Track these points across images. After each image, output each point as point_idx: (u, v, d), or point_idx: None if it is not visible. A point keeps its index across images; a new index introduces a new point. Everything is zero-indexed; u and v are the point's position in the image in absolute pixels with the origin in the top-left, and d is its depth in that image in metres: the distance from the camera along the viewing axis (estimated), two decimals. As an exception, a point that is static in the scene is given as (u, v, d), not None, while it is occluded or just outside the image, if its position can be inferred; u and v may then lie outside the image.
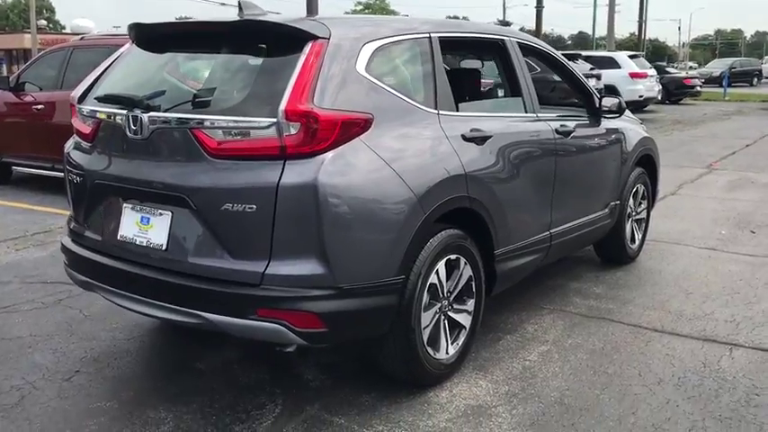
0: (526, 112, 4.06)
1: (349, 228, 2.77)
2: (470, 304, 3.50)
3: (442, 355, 3.33)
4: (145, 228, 3.03)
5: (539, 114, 4.12)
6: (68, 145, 3.49)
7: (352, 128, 2.84)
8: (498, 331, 4.05)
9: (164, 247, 2.94)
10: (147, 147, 3.00)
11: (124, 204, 3.13)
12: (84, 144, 3.34)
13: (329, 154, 2.75)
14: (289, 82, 2.74)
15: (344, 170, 2.78)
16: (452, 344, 3.42)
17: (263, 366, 3.55)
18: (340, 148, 2.79)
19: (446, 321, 3.37)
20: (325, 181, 2.70)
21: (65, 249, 3.45)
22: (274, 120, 2.70)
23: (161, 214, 2.98)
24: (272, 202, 2.69)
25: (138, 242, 3.03)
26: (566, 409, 3.13)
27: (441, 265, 3.24)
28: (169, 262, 2.94)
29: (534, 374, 3.48)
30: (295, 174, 2.70)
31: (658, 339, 3.94)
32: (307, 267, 2.73)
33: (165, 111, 2.94)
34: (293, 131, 2.71)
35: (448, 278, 3.35)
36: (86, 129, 3.30)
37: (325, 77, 2.81)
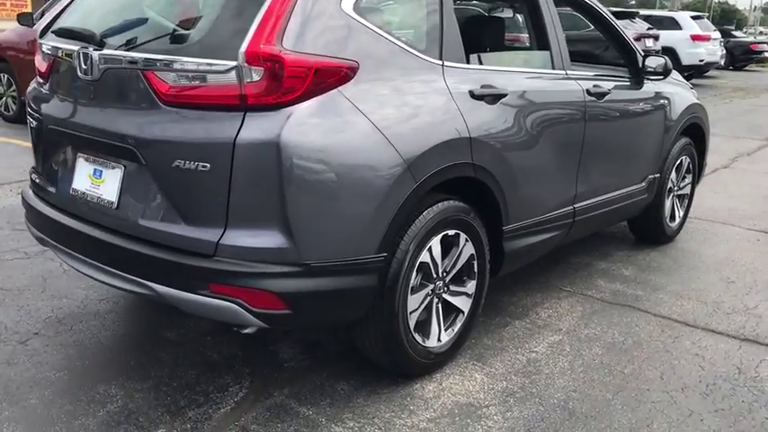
0: (554, 68, 3.54)
1: (318, 196, 2.36)
2: (471, 286, 3.08)
3: (432, 343, 2.92)
4: (97, 182, 2.67)
5: (568, 72, 3.60)
6: (30, 86, 3.13)
7: (329, 76, 2.40)
8: (506, 315, 3.62)
9: (114, 205, 2.58)
10: (99, 90, 2.62)
11: (78, 154, 2.77)
12: (42, 85, 2.97)
13: (298, 107, 2.33)
14: (254, 19, 2.31)
15: (316, 127, 2.36)
16: (446, 330, 3.01)
17: (239, 340, 3.20)
18: (313, 100, 2.36)
19: (440, 305, 2.95)
20: (290, 139, 2.28)
21: (23, 201, 3.12)
22: (234, 63, 2.27)
23: (113, 168, 2.61)
24: (227, 161, 2.29)
25: (89, 197, 2.68)
26: (568, 416, 2.70)
27: (435, 242, 2.81)
28: (119, 222, 2.58)
29: (539, 369, 3.06)
30: (255, 129, 2.28)
31: (688, 335, 3.46)
32: (267, 240, 2.33)
33: (118, 48, 2.54)
34: (255, 78, 2.28)
35: (444, 256, 2.93)
36: (43, 67, 2.93)
37: (300, 14, 2.37)
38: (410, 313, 2.77)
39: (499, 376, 2.99)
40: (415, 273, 2.75)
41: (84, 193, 2.71)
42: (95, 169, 2.68)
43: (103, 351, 3.10)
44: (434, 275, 2.87)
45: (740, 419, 2.72)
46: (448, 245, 2.94)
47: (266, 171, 2.28)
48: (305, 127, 2.32)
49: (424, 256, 2.78)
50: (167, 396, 2.74)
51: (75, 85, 2.73)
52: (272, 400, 2.75)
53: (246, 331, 2.48)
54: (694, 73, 18.03)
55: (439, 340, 2.96)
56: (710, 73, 20.38)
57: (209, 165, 2.31)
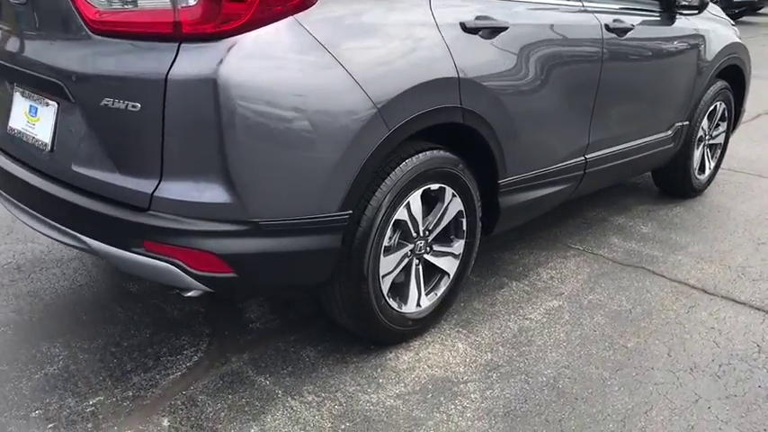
0: (568, -1, 3.10)
1: (266, 145, 2.02)
2: (458, 246, 2.75)
3: (409, 309, 2.62)
4: (32, 120, 2.37)
5: (585, 4, 3.15)
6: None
7: (282, 1, 2.03)
8: (504, 275, 3.29)
9: (48, 147, 2.29)
10: (29, 15, 2.29)
11: (15, 88, 2.47)
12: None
13: (243, 38, 1.97)
14: (191, -71, 1.94)
15: (264, 62, 2.01)
16: (428, 294, 2.70)
17: (205, 296, 2.92)
18: (261, 30, 2.00)
19: (420, 267, 2.64)
20: (230, 75, 1.94)
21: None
22: (166, -16, 1.92)
23: (47, 105, 2.30)
24: (159, 101, 1.96)
25: (25, 137, 2.39)
26: (556, 396, 2.40)
27: (415, 197, 2.48)
28: (53, 167, 2.29)
29: (531, 340, 2.74)
30: (190, 63, 1.94)
31: (706, 305, 3.10)
32: (208, 193, 2.02)
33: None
34: (191, 2, 1.93)
35: (428, 213, 2.59)
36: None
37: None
38: (383, 277, 2.46)
39: (485, 347, 2.68)
40: (389, 232, 2.43)
41: (20, 132, 2.42)
42: (31, 106, 2.38)
43: (57, 303, 2.86)
44: (414, 234, 2.55)
45: (753, 409, 2.39)
46: (431, 200, 2.60)
47: (203, 113, 1.95)
48: (250, 62, 1.97)
49: (401, 214, 2.45)
50: (114, 358, 2.50)
51: (6, 10, 2.40)
52: (228, 367, 2.49)
53: (190, 294, 2.20)
54: (747, 9, 16.91)
55: (418, 305, 2.66)
56: (764, 10, 19.16)
57: (139, 104, 1.99)
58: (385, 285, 2.49)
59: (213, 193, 2.01)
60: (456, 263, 2.77)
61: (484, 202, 2.80)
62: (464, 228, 2.74)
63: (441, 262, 2.71)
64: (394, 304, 2.55)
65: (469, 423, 2.24)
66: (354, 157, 2.17)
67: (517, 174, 2.86)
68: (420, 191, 2.49)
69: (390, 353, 2.61)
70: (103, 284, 3.04)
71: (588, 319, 2.93)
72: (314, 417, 2.24)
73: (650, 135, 3.76)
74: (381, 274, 2.46)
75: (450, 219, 2.68)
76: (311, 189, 2.13)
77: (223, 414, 2.24)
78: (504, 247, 3.59)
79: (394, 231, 2.49)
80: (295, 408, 2.28)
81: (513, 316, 2.92)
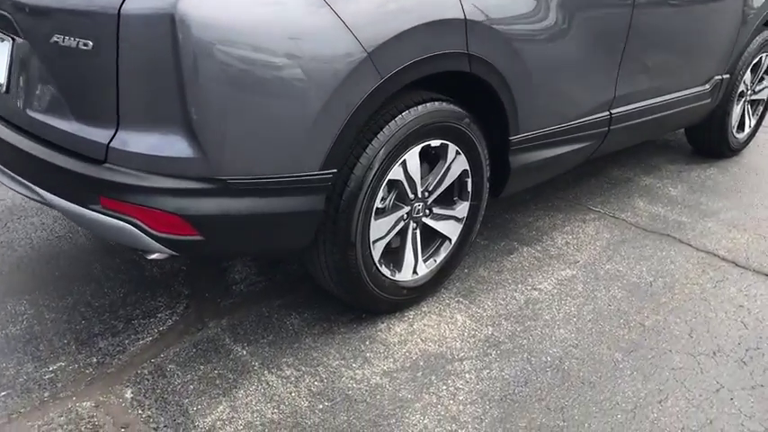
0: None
1: (233, 91, 1.77)
2: (461, 209, 2.49)
3: (404, 277, 2.39)
4: (-12, 57, 2.14)
5: (618, -63, 2.80)
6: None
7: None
8: (515, 239, 3.03)
9: (3, 88, 2.06)
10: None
11: (-28, 21, 2.23)
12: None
13: (206, -34, 1.70)
14: None
15: (231, -4, 1.74)
16: (426, 261, 2.47)
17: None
18: (228, -43, 1.73)
19: (418, 231, 2.39)
20: (190, 10, 1.68)
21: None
22: None
23: (2, 40, 2.06)
24: (112, 38, 1.71)
25: (-19, 77, 2.16)
26: (560, 380, 2.17)
27: (412, 155, 2.22)
28: (8, 111, 2.07)
29: (537, 314, 2.50)
30: (145, -5, 1.68)
31: (735, 279, 2.82)
32: (167, 146, 1.78)
33: None
34: (146, -77, 1.66)
35: (428, 172, 2.34)
36: None
37: None
38: (374, 242, 2.23)
39: (486, 320, 2.45)
40: (382, 193, 2.18)
41: (-23, 71, 2.18)
42: (-14, 41, 2.14)
43: (30, 256, 2.68)
44: (411, 196, 2.29)
45: (782, 402, 2.14)
46: (432, 158, 2.34)
47: (160, 54, 1.70)
48: (215, -5, 1.71)
49: (396, 173, 2.19)
50: (83, 319, 2.32)
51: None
52: (203, 333, 2.30)
53: (153, 257, 1.98)
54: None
55: (415, 273, 2.42)
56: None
57: (90, 43, 1.74)
58: (376, 252, 2.25)
59: (174, 147, 1.78)
60: (459, 227, 2.52)
61: (492, 161, 2.53)
62: (469, 189, 2.48)
63: (441, 226, 2.46)
64: (386, 272, 2.32)
65: (461, 407, 2.03)
66: (339, 108, 1.91)
67: (531, 130, 2.57)
68: (418, 147, 2.22)
69: (382, 323, 2.39)
70: (83, 237, 2.85)
71: (603, 291, 2.67)
72: (290, 393, 2.04)
73: (685, 89, 3.42)
74: (372, 240, 2.22)
75: (453, 179, 2.42)
76: (287, 144, 1.88)
77: (192, 387, 2.06)
78: (518, 207, 3.32)
79: (388, 192, 2.25)
80: (271, 382, 2.08)
81: (520, 285, 2.67)
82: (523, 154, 2.60)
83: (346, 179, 2.08)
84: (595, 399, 2.10)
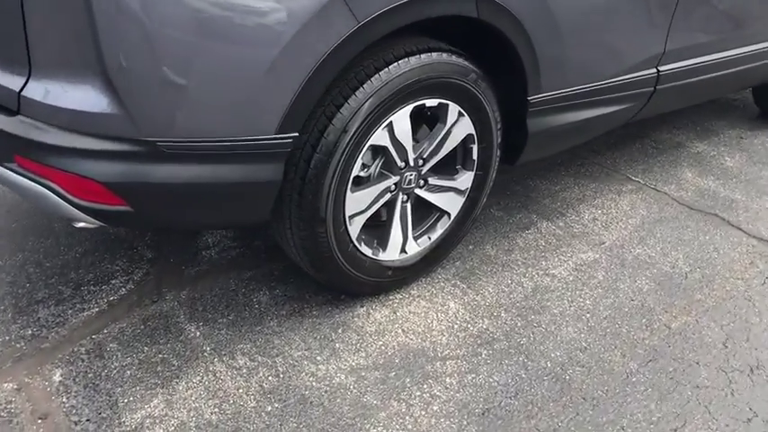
0: None
1: (159, 30, 1.43)
2: (464, 180, 2.14)
3: (389, 256, 2.07)
4: None
5: None
6: None
7: None
8: (534, 210, 2.66)
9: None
10: None
11: None
12: None
13: None
14: None
15: None
16: (418, 238, 2.13)
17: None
18: None
19: (409, 205, 2.05)
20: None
21: None
22: None
23: None
24: (11, -34, 1.39)
25: None
26: (558, 393, 1.84)
27: (400, 116, 1.86)
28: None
29: (544, 306, 2.16)
30: None
31: (789, 276, 2.41)
32: (84, 99, 1.47)
33: None
34: None
35: (425, 135, 1.98)
36: None
37: None
38: (350, 217, 1.90)
39: (483, 310, 2.12)
40: (361, 160, 1.84)
41: None
42: None
43: (-9, 204, 2.45)
44: (400, 164, 1.94)
45: (828, 441, 1.76)
46: (429, 119, 1.98)
47: (66, -14, 1.37)
48: None
49: (379, 137, 1.84)
50: (27, 282, 2.09)
51: None
52: (157, 307, 2.04)
53: (80, 225, 1.70)
54: None
55: (403, 252, 2.10)
56: None
57: (-11, -31, 1.42)
58: (353, 228, 1.93)
59: (91, 100, 1.47)
60: (460, 200, 2.16)
61: (506, 125, 2.15)
62: (474, 156, 2.11)
63: (438, 199, 2.11)
64: (367, 251, 2.00)
65: (432, 421, 1.72)
66: (300, 58, 1.56)
67: (556, 89, 2.17)
68: (410, 107, 1.86)
69: (361, 307, 2.09)
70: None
71: (627, 282, 2.30)
72: (238, 390, 1.77)
73: (754, 43, 2.91)
74: (349, 214, 1.89)
75: (454, 144, 2.05)
76: (232, 100, 1.55)
77: (129, 373, 1.80)
78: (544, 173, 2.93)
79: (373, 159, 1.91)
80: (219, 374, 1.82)
81: (530, 269, 2.32)
82: (545, 117, 2.21)
83: (315, 144, 1.74)
84: (595, 421, 1.77)
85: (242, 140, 1.59)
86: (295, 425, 1.69)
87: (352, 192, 1.87)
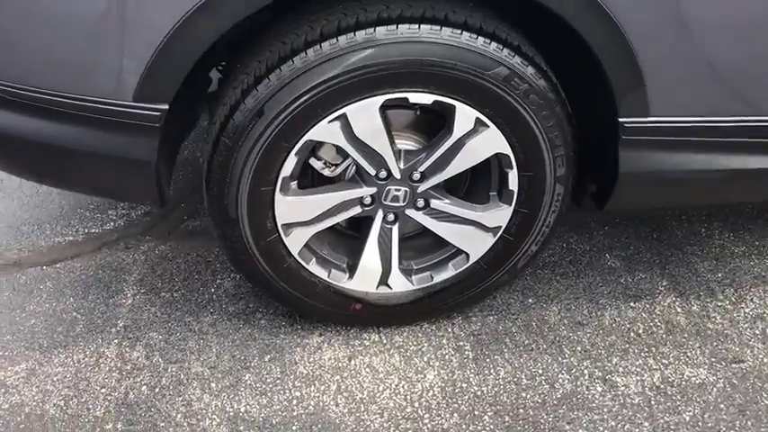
0: None
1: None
2: (495, 214, 1.49)
3: (357, 286, 1.56)
4: None
5: None
6: None
7: None
8: (666, 275, 1.82)
9: None
10: None
11: None
12: None
13: None
14: None
15: None
16: (415, 273, 1.57)
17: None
18: None
19: (395, 228, 1.48)
20: None
21: None
22: None
23: None
24: None
25: None
26: None
27: (363, 109, 1.29)
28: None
29: (559, 430, 1.45)
30: None
31: None
32: None
33: None
34: None
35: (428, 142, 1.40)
36: None
37: None
38: (285, 226, 1.42)
39: (466, 400, 1.49)
40: (295, 156, 1.34)
41: None
42: None
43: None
44: (371, 172, 1.39)
45: None
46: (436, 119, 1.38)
47: None
48: None
49: (323, 132, 1.31)
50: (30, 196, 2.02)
51: None
52: (123, 255, 1.83)
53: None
54: None
55: (384, 285, 1.56)
56: None
57: None
58: (293, 240, 1.44)
59: None
60: (486, 240, 1.51)
61: (584, 152, 1.41)
62: (512, 186, 1.42)
63: (446, 231, 1.50)
64: (319, 272, 1.51)
65: None
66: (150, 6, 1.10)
67: (669, 115, 1.33)
68: (377, 100, 1.28)
69: (320, 336, 1.62)
70: None
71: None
72: (100, 389, 1.50)
73: None
74: (282, 223, 1.41)
75: (471, 163, 1.40)
76: (60, 49, 1.17)
77: (32, 323, 1.65)
78: (723, 217, 1.99)
79: (343, 159, 1.39)
80: (101, 360, 1.55)
81: (586, 363, 1.58)
82: (647, 152, 1.39)
83: (224, 124, 1.28)
84: None
85: (82, 100, 1.21)
86: (113, 461, 1.36)
87: (285, 195, 1.37)
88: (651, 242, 1.91)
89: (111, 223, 1.92)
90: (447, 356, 1.58)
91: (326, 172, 1.43)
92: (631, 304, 1.72)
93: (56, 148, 1.30)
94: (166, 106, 1.22)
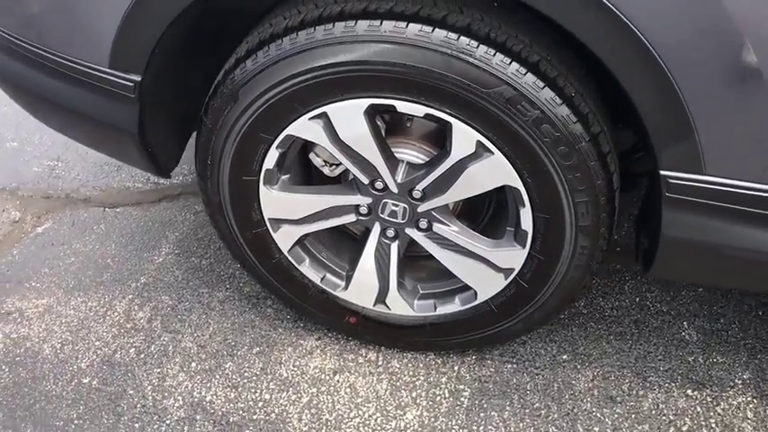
0: None
1: None
2: (506, 255, 1.26)
3: (351, 298, 1.42)
4: None
5: None
6: None
7: None
8: (750, 351, 1.45)
9: None
10: None
11: None
12: None
13: None
14: None
15: None
16: (419, 299, 1.40)
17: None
18: None
19: (395, 246, 1.32)
20: None
21: None
22: None
23: None
24: None
25: None
26: None
27: (345, 110, 1.14)
28: None
29: None
30: None
31: None
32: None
33: None
34: None
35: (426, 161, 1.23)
36: None
37: None
38: (273, 221, 1.33)
39: (433, 454, 1.31)
40: (276, 149, 1.22)
41: None
42: None
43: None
44: (364, 180, 1.24)
45: None
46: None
47: None
48: None
49: (302, 128, 1.18)
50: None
51: None
52: (156, 212, 1.84)
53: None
54: None
55: (382, 303, 1.40)
56: None
57: None
58: (283, 238, 1.35)
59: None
60: (497, 281, 1.29)
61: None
62: (525, 227, 1.19)
63: (449, 260, 1.31)
64: (312, 275, 1.40)
65: None
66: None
67: (726, 176, 1.02)
68: (362, 102, 1.12)
69: (318, 340, 1.51)
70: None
71: None
72: (38, 338, 1.52)
73: None
74: (269, 217, 1.32)
75: (474, 191, 1.19)
76: (58, 8, 1.16)
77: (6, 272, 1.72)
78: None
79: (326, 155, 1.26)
80: (58, 318, 1.58)
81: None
82: (696, 216, 1.08)
83: (206, 104, 1.21)
84: None
85: (68, 60, 1.20)
86: None
87: (271, 188, 1.27)
88: (751, 320, 1.52)
89: (180, 177, 1.95)
90: (438, 398, 1.39)
91: (326, 170, 1.30)
92: (688, 392, 1.39)
93: (54, 103, 1.31)
94: (139, 77, 1.16)
